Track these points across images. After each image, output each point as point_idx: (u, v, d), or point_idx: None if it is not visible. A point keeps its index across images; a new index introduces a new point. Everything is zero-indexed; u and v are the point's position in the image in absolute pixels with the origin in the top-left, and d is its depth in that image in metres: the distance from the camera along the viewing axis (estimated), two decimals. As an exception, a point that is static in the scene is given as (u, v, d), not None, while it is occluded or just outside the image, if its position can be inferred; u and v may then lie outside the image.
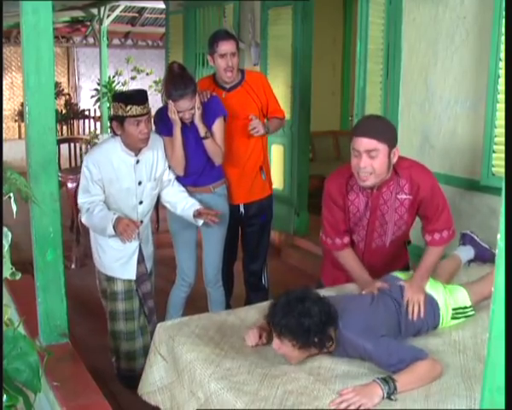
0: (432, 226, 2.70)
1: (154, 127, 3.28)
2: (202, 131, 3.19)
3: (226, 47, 3.34)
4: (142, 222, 3.13)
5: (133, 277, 3.21)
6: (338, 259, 2.86)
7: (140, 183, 3.12)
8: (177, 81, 3.09)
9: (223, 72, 3.37)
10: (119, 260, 3.17)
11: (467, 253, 3.12)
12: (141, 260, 3.23)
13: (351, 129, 4.36)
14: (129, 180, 3.09)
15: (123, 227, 2.93)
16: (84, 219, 3.09)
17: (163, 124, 3.22)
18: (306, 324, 2.07)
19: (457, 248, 3.16)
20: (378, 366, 2.16)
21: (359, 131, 2.52)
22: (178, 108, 3.08)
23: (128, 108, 2.92)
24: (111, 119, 3.03)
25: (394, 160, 2.54)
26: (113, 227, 2.95)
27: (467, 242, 3.15)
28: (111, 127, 3.05)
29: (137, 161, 3.10)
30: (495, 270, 0.92)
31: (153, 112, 3.25)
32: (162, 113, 3.26)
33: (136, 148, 3.06)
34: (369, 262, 2.89)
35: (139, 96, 2.97)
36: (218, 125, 3.28)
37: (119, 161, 3.06)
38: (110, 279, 3.21)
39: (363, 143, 2.47)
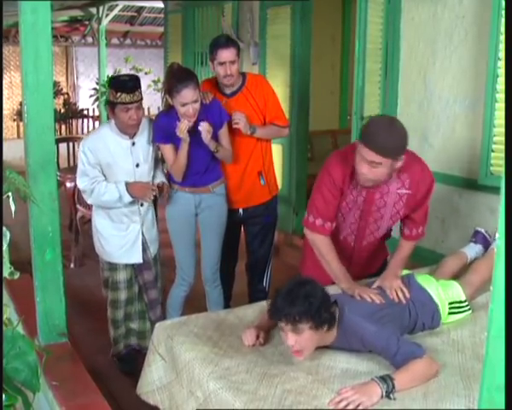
0: (415, 220, 2.75)
1: (146, 113, 3.30)
2: (213, 146, 3.20)
3: (225, 55, 3.31)
4: (142, 205, 3.24)
5: (140, 260, 3.29)
6: (317, 245, 2.72)
7: (138, 165, 3.20)
8: (179, 74, 3.11)
9: (222, 78, 3.38)
10: (123, 246, 3.25)
11: (476, 252, 3.06)
12: (145, 246, 3.31)
13: (358, 129, 4.38)
14: (127, 162, 3.17)
15: (141, 191, 3.11)
16: (91, 199, 3.18)
17: (163, 133, 3.21)
18: (316, 302, 2.09)
19: (467, 245, 3.11)
20: (377, 352, 2.18)
21: (369, 141, 2.41)
22: (183, 98, 3.04)
23: (118, 94, 3.01)
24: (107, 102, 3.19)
25: (397, 166, 2.48)
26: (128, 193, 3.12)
27: (479, 240, 3.10)
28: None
29: (133, 144, 3.18)
30: (494, 269, 0.92)
31: (152, 110, 3.27)
32: (161, 122, 3.25)
33: (127, 132, 3.15)
34: (357, 259, 2.90)
35: (129, 84, 3.05)
36: (225, 130, 3.30)
37: (115, 144, 3.15)
38: (112, 269, 3.29)
39: (370, 154, 2.40)
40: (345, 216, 2.77)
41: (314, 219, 2.71)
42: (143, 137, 3.21)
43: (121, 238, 3.25)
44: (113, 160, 3.14)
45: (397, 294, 2.50)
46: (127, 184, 3.12)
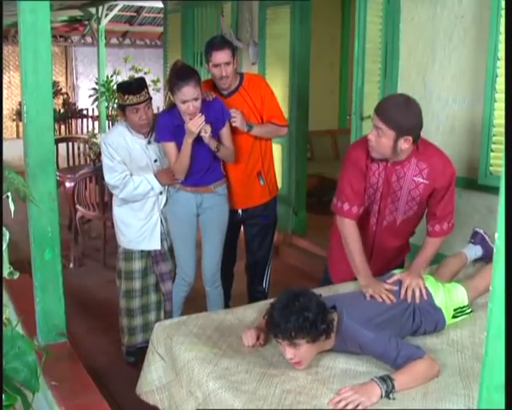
0: (436, 215, 2.76)
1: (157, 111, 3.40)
2: (213, 145, 3.20)
3: (219, 57, 3.29)
4: (161, 193, 3.39)
5: (158, 247, 3.44)
6: (345, 230, 2.79)
7: (156, 160, 3.37)
8: (181, 71, 3.13)
9: (218, 80, 3.37)
10: (142, 233, 3.40)
11: (475, 252, 3.08)
12: (163, 236, 3.46)
13: (358, 129, 4.41)
14: (145, 159, 3.34)
15: (168, 177, 3.29)
16: (122, 194, 3.33)
17: (166, 131, 3.21)
18: (311, 316, 2.07)
19: (466, 246, 3.13)
20: (376, 358, 2.17)
21: (378, 107, 2.61)
22: (183, 95, 3.03)
23: (126, 97, 3.18)
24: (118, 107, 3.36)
25: (403, 147, 2.56)
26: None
27: (477, 241, 3.12)
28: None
29: (149, 142, 3.33)
30: (493, 269, 0.92)
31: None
32: (163, 120, 3.25)
33: (141, 132, 3.29)
34: (379, 244, 2.92)
35: (135, 86, 3.22)
36: (227, 130, 3.31)
37: (132, 141, 3.31)
38: (128, 258, 3.44)
39: (376, 120, 2.56)
40: (370, 199, 2.82)
41: (342, 203, 2.79)
42: None
43: (141, 226, 3.39)
44: (133, 155, 3.31)
45: (411, 293, 2.49)
46: (155, 174, 3.32)
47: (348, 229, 2.78)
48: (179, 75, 3.07)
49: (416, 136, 2.59)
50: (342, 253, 2.86)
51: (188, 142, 3.13)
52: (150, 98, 3.27)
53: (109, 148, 3.27)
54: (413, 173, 2.69)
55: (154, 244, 3.44)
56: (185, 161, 3.19)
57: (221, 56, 3.30)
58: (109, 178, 3.32)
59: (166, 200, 3.43)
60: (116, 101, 3.41)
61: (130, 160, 3.31)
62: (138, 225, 3.40)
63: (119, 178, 3.29)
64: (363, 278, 2.64)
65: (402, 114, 2.53)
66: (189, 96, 3.04)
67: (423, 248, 2.79)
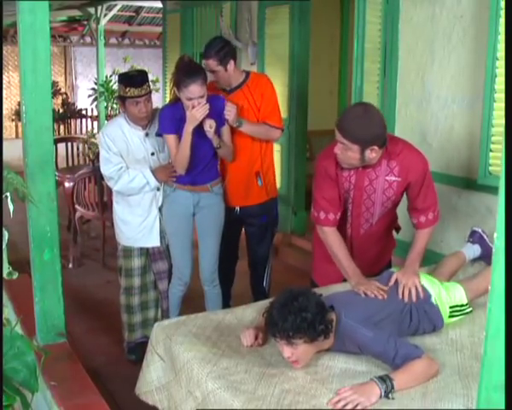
0: (417, 208, 2.76)
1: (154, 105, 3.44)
2: (216, 141, 3.22)
3: (206, 64, 3.40)
4: (158, 190, 3.40)
5: (157, 243, 3.45)
6: (326, 238, 2.79)
7: (153, 153, 3.38)
8: (188, 68, 3.13)
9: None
10: (142, 230, 3.42)
11: (473, 251, 3.08)
12: (162, 234, 3.46)
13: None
14: (142, 151, 3.36)
15: (165, 173, 3.31)
16: (117, 186, 3.34)
17: (169, 122, 3.22)
18: (309, 316, 2.07)
19: (464, 245, 3.12)
20: (375, 357, 2.18)
21: (338, 123, 2.56)
22: (190, 93, 3.05)
23: (127, 89, 3.19)
24: (117, 97, 3.40)
25: (371, 156, 2.56)
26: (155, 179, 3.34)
27: (476, 240, 3.11)
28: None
29: (146, 134, 3.35)
30: (492, 269, 0.92)
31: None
32: (166, 112, 3.27)
33: (139, 124, 3.32)
34: (358, 251, 2.90)
35: (138, 79, 3.24)
36: (227, 127, 3.33)
37: (130, 133, 3.34)
38: (127, 256, 3.47)
39: (339, 136, 2.55)
40: (345, 205, 2.82)
41: (318, 213, 2.80)
42: (156, 127, 3.32)
43: (140, 223, 3.41)
44: (130, 147, 3.32)
45: (408, 292, 2.49)
46: (152, 170, 3.33)
47: (330, 237, 2.78)
48: (187, 72, 3.08)
49: (382, 142, 2.57)
50: (325, 254, 2.85)
51: (188, 131, 3.12)
52: (150, 92, 3.30)
53: (107, 139, 3.30)
54: (385, 173, 2.69)
55: (153, 241, 3.45)
56: (186, 153, 3.17)
57: (207, 63, 3.37)
58: (104, 169, 3.34)
59: None
60: (115, 95, 3.41)
61: (127, 152, 3.32)
62: (137, 222, 3.41)
63: (114, 170, 3.30)
64: (353, 279, 2.63)
65: (363, 127, 2.50)
66: (195, 94, 3.06)
67: (414, 242, 2.78)
